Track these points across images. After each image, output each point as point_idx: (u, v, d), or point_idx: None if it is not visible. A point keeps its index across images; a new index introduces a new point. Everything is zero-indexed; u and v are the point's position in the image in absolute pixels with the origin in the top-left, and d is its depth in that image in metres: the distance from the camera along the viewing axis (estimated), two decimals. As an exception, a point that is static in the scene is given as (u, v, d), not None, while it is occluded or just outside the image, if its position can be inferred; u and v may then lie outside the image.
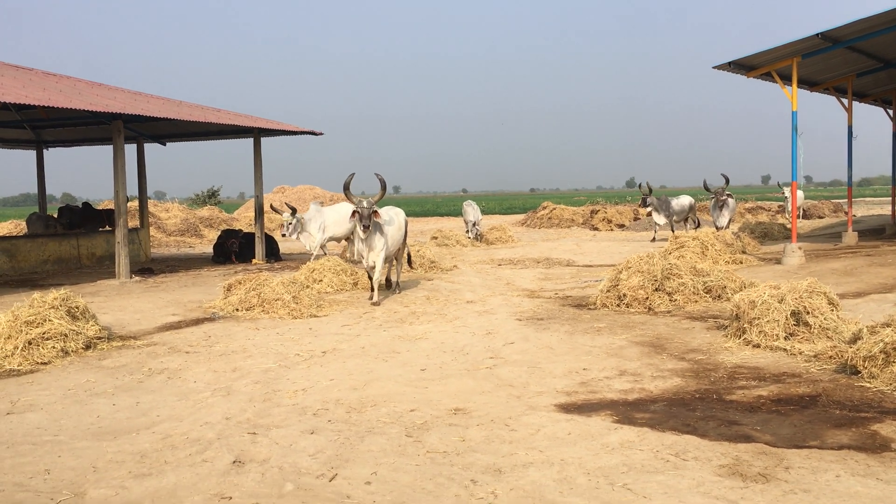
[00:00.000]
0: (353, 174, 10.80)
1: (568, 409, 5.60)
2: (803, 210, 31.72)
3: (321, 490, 4.21)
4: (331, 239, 16.09)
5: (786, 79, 14.54)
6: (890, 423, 5.00)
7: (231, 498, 4.12)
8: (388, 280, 12.04)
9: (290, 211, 15.54)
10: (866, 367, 5.99)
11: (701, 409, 5.46)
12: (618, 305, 9.75)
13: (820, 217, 32.27)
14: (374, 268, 10.92)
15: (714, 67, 14.59)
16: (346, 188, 10.76)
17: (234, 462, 4.62)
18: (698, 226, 22.06)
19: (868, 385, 5.84)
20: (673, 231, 21.74)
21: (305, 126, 18.60)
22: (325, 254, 16.04)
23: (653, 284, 9.83)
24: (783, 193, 27.74)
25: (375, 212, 10.76)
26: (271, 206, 17.29)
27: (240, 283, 10.96)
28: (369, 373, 6.80)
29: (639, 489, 4.08)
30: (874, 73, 17.49)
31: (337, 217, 16.03)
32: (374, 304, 10.62)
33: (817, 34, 13.27)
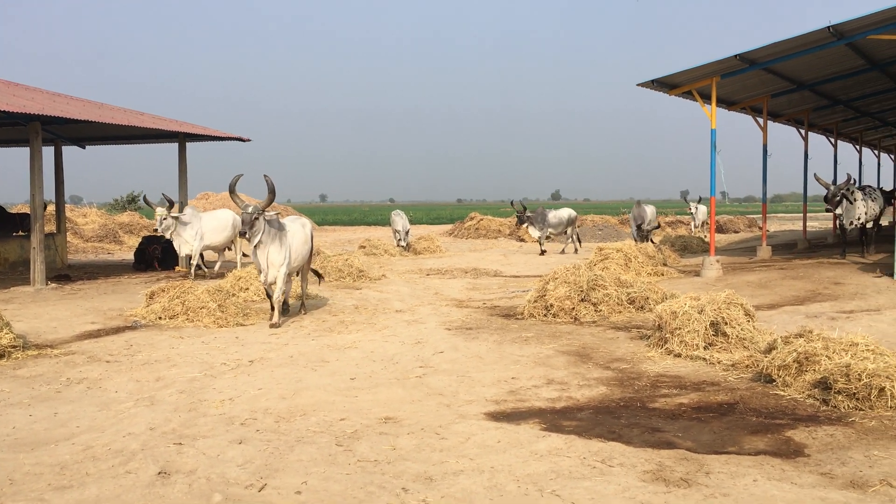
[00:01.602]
0: (241, 175, 9.64)
1: (497, 417, 5.67)
2: (705, 224, 32.56)
3: (250, 500, 4.15)
4: (207, 248, 14.95)
5: (706, 97, 15.06)
6: (803, 429, 5.24)
7: (157, 510, 4.03)
8: (285, 303, 10.26)
9: (168, 203, 14.29)
10: (780, 376, 6.26)
11: (626, 417, 5.60)
12: (545, 315, 9.91)
13: (735, 231, 33.52)
14: (273, 284, 9.70)
15: (638, 85, 14.98)
16: (232, 191, 9.55)
17: (159, 473, 4.52)
18: (578, 239, 22.30)
19: (782, 393, 6.10)
20: (541, 244, 21.55)
21: (233, 131, 18.29)
22: (201, 264, 15.30)
23: (579, 295, 10.03)
24: (690, 209, 28.68)
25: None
26: (144, 199, 15.74)
27: (163, 290, 10.73)
28: (298, 382, 6.74)
29: (567, 495, 4.17)
30: (788, 94, 18.25)
31: (216, 224, 14.93)
32: (272, 325, 9.52)
33: (735, 55, 13.78)
